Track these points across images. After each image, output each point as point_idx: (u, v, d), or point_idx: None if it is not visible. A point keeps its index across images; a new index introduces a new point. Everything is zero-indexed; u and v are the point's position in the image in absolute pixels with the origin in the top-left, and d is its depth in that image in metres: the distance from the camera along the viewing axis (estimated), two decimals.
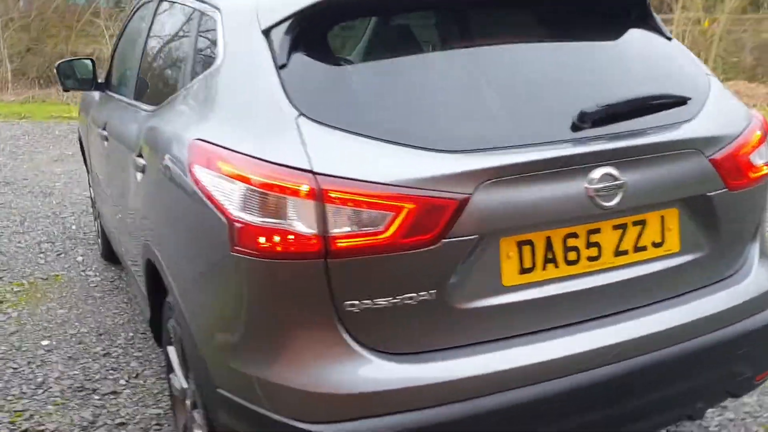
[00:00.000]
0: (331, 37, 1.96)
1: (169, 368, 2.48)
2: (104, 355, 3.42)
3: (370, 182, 1.64)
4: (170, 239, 2.02)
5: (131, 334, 3.63)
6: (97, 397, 3.06)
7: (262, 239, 1.66)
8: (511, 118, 1.82)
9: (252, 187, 1.68)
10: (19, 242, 5.07)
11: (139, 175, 2.39)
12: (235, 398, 1.82)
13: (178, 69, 2.48)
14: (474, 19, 2.04)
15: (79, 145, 4.99)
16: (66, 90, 3.93)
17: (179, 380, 2.37)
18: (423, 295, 1.69)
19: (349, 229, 1.64)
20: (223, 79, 1.98)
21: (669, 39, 2.26)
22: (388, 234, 1.63)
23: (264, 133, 1.77)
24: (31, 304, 4.03)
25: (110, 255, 4.52)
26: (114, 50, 3.86)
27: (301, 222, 1.64)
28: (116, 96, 3.47)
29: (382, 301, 1.67)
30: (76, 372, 3.26)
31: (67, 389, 3.12)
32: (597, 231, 1.85)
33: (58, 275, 4.45)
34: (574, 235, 1.82)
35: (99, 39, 14.49)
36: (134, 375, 3.23)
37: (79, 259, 4.74)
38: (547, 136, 1.79)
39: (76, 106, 12.45)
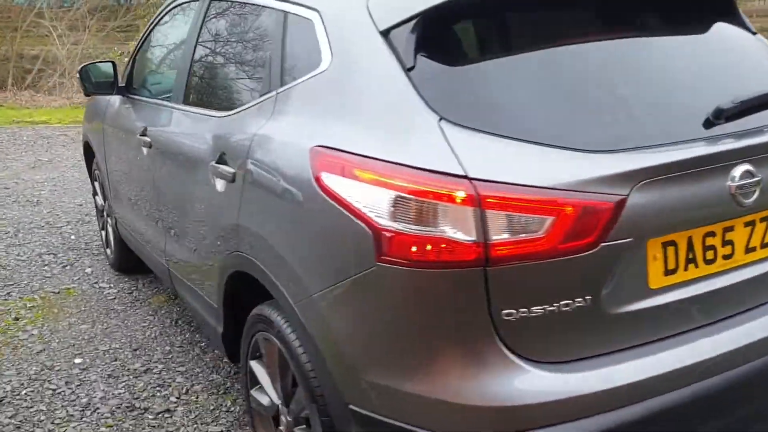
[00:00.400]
0: (460, 36, 1.89)
1: (251, 383, 2.38)
2: (145, 371, 3.27)
3: (529, 186, 1.58)
4: (284, 250, 1.92)
5: (167, 348, 3.49)
6: (150, 417, 2.91)
7: (414, 248, 1.58)
8: (652, 115, 1.78)
9: (401, 194, 1.60)
10: (18, 255, 4.83)
11: (221, 183, 2.27)
12: (372, 414, 1.73)
13: (258, 73, 2.37)
14: (602, 14, 1.99)
15: (83, 153, 4.77)
16: (87, 95, 3.74)
17: (267, 396, 2.27)
18: (579, 302, 1.64)
19: (507, 235, 1.57)
20: (337, 83, 1.89)
21: (754, 33, 2.26)
22: (547, 239, 1.58)
23: (402, 139, 1.69)
24: (50, 320, 3.84)
25: (124, 265, 4.36)
26: (135, 53, 3.69)
27: (457, 229, 1.57)
28: (150, 100, 3.32)
29: (538, 309, 1.61)
30: (121, 390, 3.11)
31: (116, 409, 2.97)
32: (731, 229, 1.83)
33: (69, 289, 4.26)
34: (712, 234, 1.80)
35: (45, 39, 14.03)
36: (184, 391, 3.09)
37: (88, 270, 4.54)
38: (688, 134, 1.76)
39: (38, 110, 12.07)
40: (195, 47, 2.82)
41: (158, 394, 3.08)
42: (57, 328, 3.74)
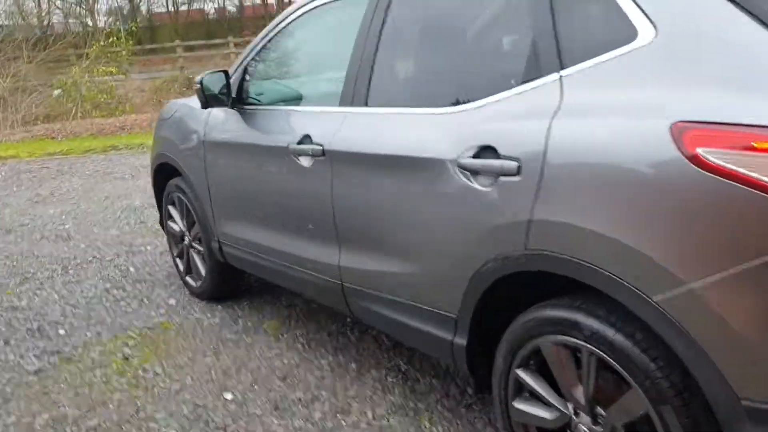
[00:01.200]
0: None
1: (513, 395, 2.20)
2: (312, 400, 3.03)
3: None
4: (631, 239, 1.75)
5: (318, 373, 3.25)
6: None
7: None
8: None
9: None
10: (83, 292, 4.47)
11: (487, 180, 2.09)
12: None
13: (504, 59, 2.21)
14: None
15: (153, 177, 4.44)
16: (205, 107, 3.46)
17: (548, 407, 2.11)
18: None
19: None
20: (674, 53, 1.75)
21: None
22: None
23: None
24: (164, 356, 3.53)
25: (217, 293, 4.08)
26: (241, 64, 3.43)
27: None
28: (299, 108, 3.10)
29: None
30: (299, 422, 2.86)
31: None
32: None
33: (163, 323, 3.94)
34: None
35: None
36: (371, 416, 2.87)
37: (172, 302, 4.22)
38: None
39: (12, 143, 11.35)
40: (377, 47, 2.62)
41: (344, 422, 2.85)
42: (179, 363, 3.44)
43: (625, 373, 1.86)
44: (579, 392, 2.03)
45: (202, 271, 4.09)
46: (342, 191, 2.73)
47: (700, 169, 1.62)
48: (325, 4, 3.04)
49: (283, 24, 3.24)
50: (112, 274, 4.76)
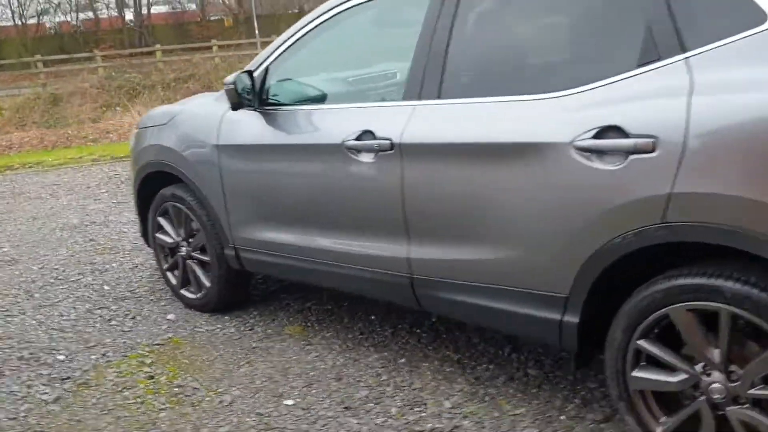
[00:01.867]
0: None
1: (632, 365, 2.31)
2: (381, 396, 3.00)
3: None
4: None
5: (370, 370, 3.22)
6: None
7: None
8: None
9: None
10: (62, 315, 4.14)
11: (608, 167, 2.18)
12: None
13: (607, 44, 2.33)
14: None
15: (137, 189, 4.17)
16: (236, 109, 3.33)
17: (674, 374, 2.23)
18: None
19: None
20: None
21: None
22: None
23: None
24: (194, 371, 3.37)
25: (222, 304, 3.94)
26: (261, 65, 3.34)
27: None
28: (337, 106, 3.07)
29: None
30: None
31: None
32: None
33: (172, 338, 3.75)
34: None
35: None
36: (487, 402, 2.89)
37: (170, 317, 4.02)
38: None
39: None
40: (449, 40, 2.65)
41: (424, 413, 2.85)
42: (214, 377, 3.30)
43: None
44: (712, 353, 2.16)
45: (206, 282, 3.92)
46: (416, 183, 2.73)
47: None
48: (366, 2, 3.02)
49: (316, 22, 3.18)
50: (87, 294, 4.45)
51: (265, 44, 29.40)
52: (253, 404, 3.03)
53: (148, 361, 3.51)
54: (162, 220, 4.08)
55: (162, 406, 3.08)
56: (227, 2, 39.78)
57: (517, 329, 2.73)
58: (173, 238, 4.05)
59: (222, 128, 3.49)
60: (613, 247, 2.24)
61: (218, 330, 3.81)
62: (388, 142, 2.78)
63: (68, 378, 3.39)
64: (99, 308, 4.21)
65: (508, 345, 3.32)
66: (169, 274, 4.19)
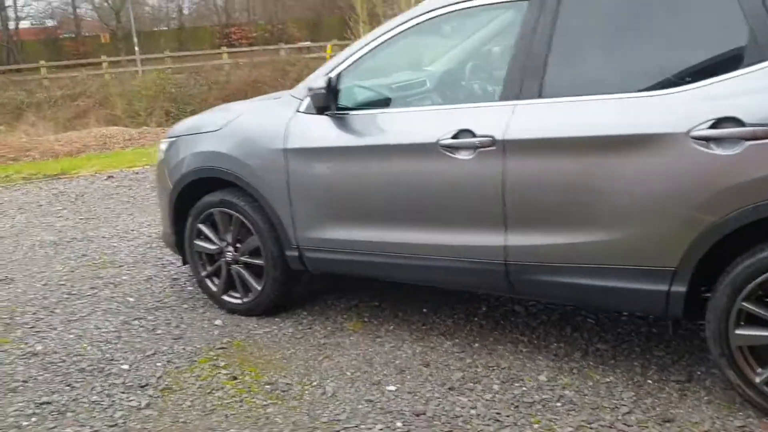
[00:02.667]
0: None
1: (735, 324, 2.69)
2: (477, 377, 3.23)
3: None
4: None
5: (455, 354, 3.44)
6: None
7: None
8: None
9: None
10: (98, 328, 4.07)
11: (726, 152, 2.55)
12: None
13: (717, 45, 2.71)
14: None
15: (176, 198, 4.16)
16: (321, 113, 3.46)
17: None
18: None
19: None
20: None
21: None
22: None
23: None
24: (273, 369, 3.46)
25: (272, 305, 4.03)
26: (340, 68, 3.51)
27: None
28: (427, 108, 3.31)
29: None
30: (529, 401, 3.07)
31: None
32: None
33: (234, 341, 3.80)
34: None
35: None
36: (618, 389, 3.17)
37: (218, 322, 4.06)
38: None
39: None
40: (550, 43, 2.95)
41: (525, 387, 3.11)
42: (300, 372, 3.42)
43: None
44: None
45: (256, 285, 4.00)
46: (520, 176, 3.00)
47: None
48: (452, 12, 3.27)
49: (397, 30, 3.39)
50: (113, 306, 4.37)
51: (147, 61, 28.94)
52: (356, 393, 3.18)
53: (221, 363, 3.56)
54: (203, 227, 4.11)
55: (264, 403, 3.16)
56: (103, 19, 38.36)
57: (620, 304, 3.06)
58: (216, 244, 4.09)
59: (290, 132, 3.61)
60: (728, 220, 2.61)
61: (276, 330, 3.90)
62: (489, 139, 3.04)
63: (147, 385, 3.38)
64: (135, 319, 4.16)
65: (568, 326, 3.64)
66: (207, 281, 4.21)
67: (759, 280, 2.63)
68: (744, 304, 2.68)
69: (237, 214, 3.94)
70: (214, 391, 3.29)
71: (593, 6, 3.02)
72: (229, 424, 3.01)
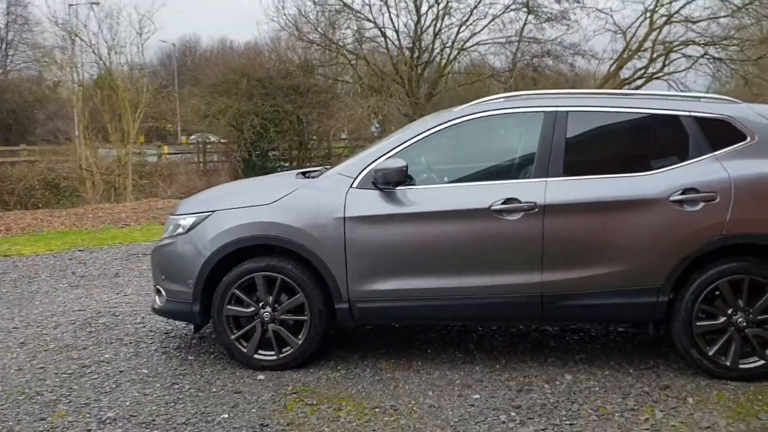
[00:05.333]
0: None
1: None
2: (523, 387, 4.33)
3: None
4: None
5: (498, 380, 4.49)
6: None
7: None
8: None
9: None
10: (154, 393, 4.21)
11: (690, 209, 4.25)
12: None
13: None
14: None
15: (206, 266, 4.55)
16: (382, 189, 4.38)
17: None
18: None
19: None
20: None
21: None
22: None
23: None
24: (360, 401, 4.13)
25: (304, 359, 4.61)
26: (392, 153, 4.54)
27: None
28: (477, 183, 4.52)
29: None
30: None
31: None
32: None
33: (298, 386, 4.32)
34: None
35: None
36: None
37: (260, 377, 4.48)
38: None
39: None
40: (564, 141, 4.40)
41: (596, 383, 4.32)
42: (388, 396, 4.14)
43: None
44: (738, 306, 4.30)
45: (296, 340, 4.54)
46: (556, 230, 4.31)
47: None
48: (493, 116, 4.60)
49: (448, 124, 4.56)
50: (158, 368, 4.47)
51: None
52: (456, 400, 4.05)
53: (309, 402, 4.08)
54: (238, 292, 4.56)
55: (388, 419, 3.84)
56: None
57: (622, 314, 4.47)
58: (253, 307, 4.56)
59: (348, 203, 4.44)
60: (695, 252, 4.24)
61: (324, 376, 4.46)
62: (533, 204, 4.33)
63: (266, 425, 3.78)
64: (181, 375, 4.35)
65: (581, 353, 4.86)
66: (236, 343, 4.60)
67: (710, 288, 4.29)
68: (701, 305, 4.30)
69: (283, 276, 4.51)
70: (330, 422, 3.83)
71: (592, 120, 4.59)
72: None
